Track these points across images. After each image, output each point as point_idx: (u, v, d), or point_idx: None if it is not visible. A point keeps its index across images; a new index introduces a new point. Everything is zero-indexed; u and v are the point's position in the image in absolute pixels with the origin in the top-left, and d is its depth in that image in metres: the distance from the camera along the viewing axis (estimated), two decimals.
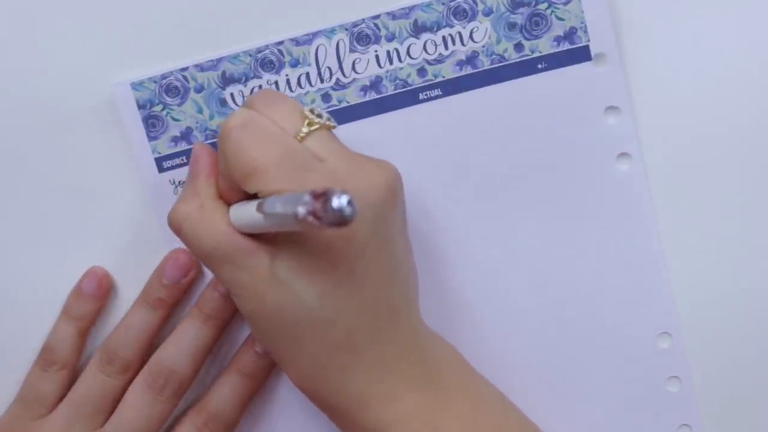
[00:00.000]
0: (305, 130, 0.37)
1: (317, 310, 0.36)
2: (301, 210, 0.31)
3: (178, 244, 0.44)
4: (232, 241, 0.37)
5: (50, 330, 0.45)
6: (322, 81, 0.44)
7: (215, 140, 0.44)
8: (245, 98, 0.42)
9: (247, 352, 0.44)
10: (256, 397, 0.45)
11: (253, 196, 0.38)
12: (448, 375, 0.40)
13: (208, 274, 0.45)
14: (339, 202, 0.30)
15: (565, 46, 0.43)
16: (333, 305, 0.37)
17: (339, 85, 0.44)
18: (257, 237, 0.37)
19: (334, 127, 0.38)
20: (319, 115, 0.38)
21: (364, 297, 0.37)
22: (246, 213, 0.37)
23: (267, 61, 0.44)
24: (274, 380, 0.45)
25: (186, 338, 0.43)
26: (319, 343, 0.37)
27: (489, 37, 0.43)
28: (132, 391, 0.43)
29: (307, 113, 0.38)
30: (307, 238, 0.36)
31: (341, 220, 0.31)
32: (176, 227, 0.39)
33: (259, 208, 0.35)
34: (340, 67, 0.44)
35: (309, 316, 0.37)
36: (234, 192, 0.39)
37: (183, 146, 0.44)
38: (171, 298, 0.44)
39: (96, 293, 0.44)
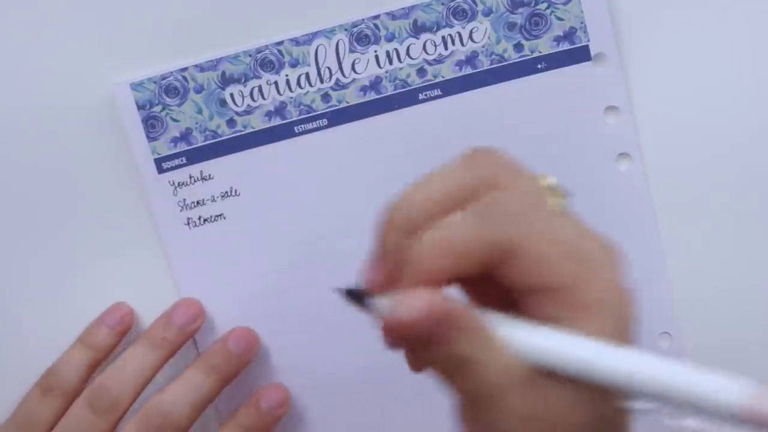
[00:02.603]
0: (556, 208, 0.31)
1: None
2: None
3: (177, 246, 0.44)
4: (529, 366, 0.29)
5: (60, 355, 0.44)
6: (321, 81, 0.44)
7: (215, 140, 0.44)
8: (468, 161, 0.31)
9: (250, 410, 0.44)
10: None
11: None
12: None
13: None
14: None
15: (565, 46, 0.43)
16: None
17: (339, 85, 0.44)
18: None
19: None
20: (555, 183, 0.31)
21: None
22: (583, 362, 0.28)
23: (267, 61, 0.44)
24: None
25: (186, 386, 0.42)
26: None
27: (488, 38, 0.43)
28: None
29: (547, 183, 0.31)
30: None
31: None
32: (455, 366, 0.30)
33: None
34: (340, 67, 0.44)
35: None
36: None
37: (183, 147, 0.44)
38: (176, 340, 0.43)
39: (116, 328, 0.44)
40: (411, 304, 0.28)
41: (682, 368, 0.25)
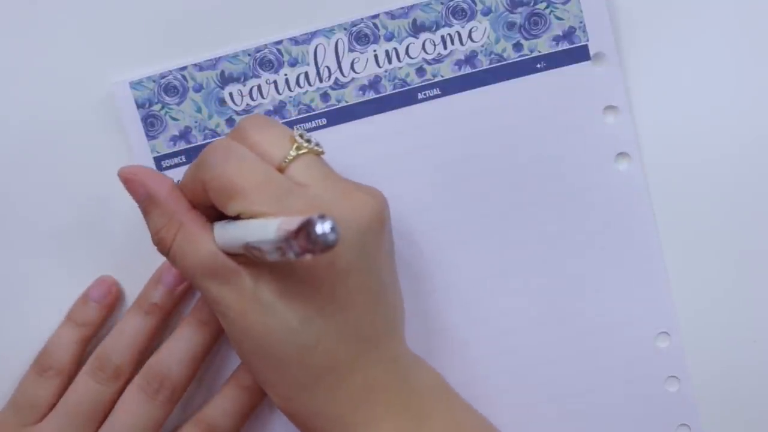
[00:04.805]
0: (293, 153, 0.37)
1: (300, 334, 0.36)
2: (287, 249, 0.31)
3: None
4: (218, 260, 0.37)
5: (51, 334, 0.44)
6: (320, 80, 0.44)
7: (214, 139, 0.44)
8: (237, 121, 0.42)
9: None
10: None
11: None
12: (431, 401, 0.40)
13: None
14: (323, 227, 0.30)
15: (564, 45, 0.43)
16: (316, 330, 0.37)
17: (338, 85, 0.44)
18: (241, 257, 0.37)
19: (322, 153, 0.38)
20: (308, 140, 0.38)
21: (347, 322, 0.37)
22: (228, 235, 0.37)
23: (266, 61, 0.44)
24: None
25: (180, 343, 0.43)
26: (302, 366, 0.37)
27: (488, 37, 0.43)
28: (125, 396, 0.43)
29: (296, 137, 0.38)
30: (290, 261, 0.36)
31: (325, 246, 0.30)
32: (164, 248, 0.39)
33: (242, 241, 0.35)
34: (339, 67, 0.44)
35: (292, 339, 0.37)
36: (208, 212, 0.39)
37: (182, 146, 0.44)
38: (166, 305, 0.44)
39: (103, 301, 0.44)
40: (131, 168, 0.39)
41: (259, 224, 0.35)
